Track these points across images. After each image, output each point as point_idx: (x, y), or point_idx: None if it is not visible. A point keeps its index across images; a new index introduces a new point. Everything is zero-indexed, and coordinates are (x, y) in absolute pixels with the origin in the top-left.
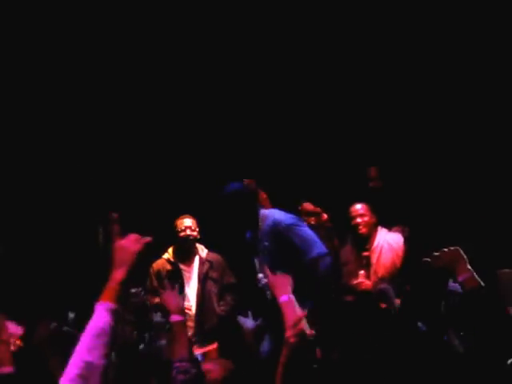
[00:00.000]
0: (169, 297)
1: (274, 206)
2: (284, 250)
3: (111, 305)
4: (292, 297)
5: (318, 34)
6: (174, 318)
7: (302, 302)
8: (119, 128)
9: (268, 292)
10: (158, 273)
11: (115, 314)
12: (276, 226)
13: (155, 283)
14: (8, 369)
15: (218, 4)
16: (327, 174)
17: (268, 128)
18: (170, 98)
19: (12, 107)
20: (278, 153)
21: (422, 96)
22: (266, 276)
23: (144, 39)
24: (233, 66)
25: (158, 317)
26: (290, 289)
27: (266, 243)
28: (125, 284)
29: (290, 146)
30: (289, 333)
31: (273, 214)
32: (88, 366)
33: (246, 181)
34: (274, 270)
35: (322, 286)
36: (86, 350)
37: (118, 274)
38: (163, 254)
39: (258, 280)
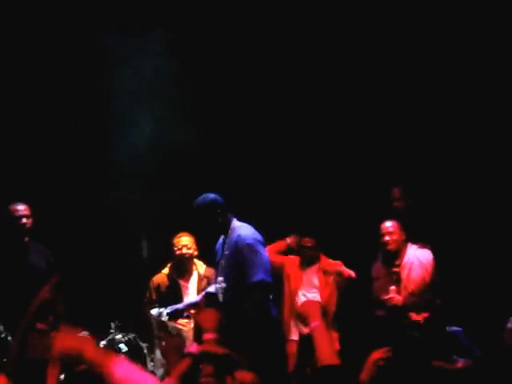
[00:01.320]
0: (204, 316)
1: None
2: (236, 265)
3: None
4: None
5: (343, 52)
6: (207, 336)
7: None
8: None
9: (221, 295)
10: (158, 287)
11: None
12: (238, 240)
13: (154, 296)
14: None
15: None
16: (353, 193)
17: (293, 148)
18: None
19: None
20: (305, 173)
21: (445, 116)
22: (223, 281)
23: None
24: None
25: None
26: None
27: (227, 252)
28: None
29: (317, 166)
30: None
31: (240, 229)
32: None
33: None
34: (225, 279)
35: (252, 310)
36: None
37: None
38: (163, 269)
39: (216, 282)
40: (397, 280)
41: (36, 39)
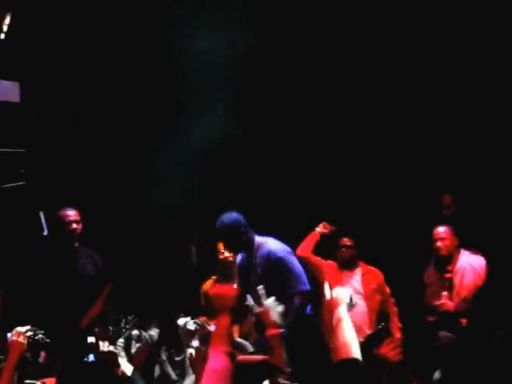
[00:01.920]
0: (265, 312)
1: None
2: (272, 280)
3: (226, 348)
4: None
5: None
6: (271, 331)
7: None
8: None
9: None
10: (206, 293)
11: (232, 356)
12: (270, 255)
13: (203, 302)
14: None
15: None
16: (406, 199)
17: (350, 151)
18: None
19: None
20: (359, 178)
21: (499, 123)
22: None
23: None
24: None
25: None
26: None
27: (259, 268)
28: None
29: (371, 172)
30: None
31: (268, 244)
32: None
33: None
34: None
35: (294, 319)
36: None
37: (224, 320)
38: (213, 275)
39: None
40: (449, 286)
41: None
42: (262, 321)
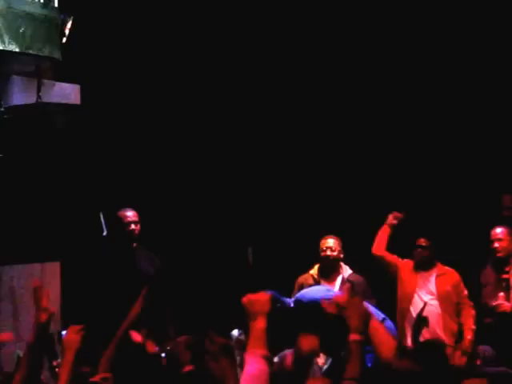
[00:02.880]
0: (352, 314)
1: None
2: None
3: (263, 352)
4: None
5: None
6: (353, 337)
7: None
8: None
9: None
10: (301, 286)
11: (269, 360)
12: None
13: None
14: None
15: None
16: (466, 200)
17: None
18: None
19: None
20: (419, 178)
21: None
22: None
23: None
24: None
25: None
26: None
27: None
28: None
29: (432, 172)
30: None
31: None
32: None
33: None
34: None
35: None
36: None
37: (260, 324)
38: (311, 269)
39: None
40: (506, 287)
41: None
42: (348, 323)
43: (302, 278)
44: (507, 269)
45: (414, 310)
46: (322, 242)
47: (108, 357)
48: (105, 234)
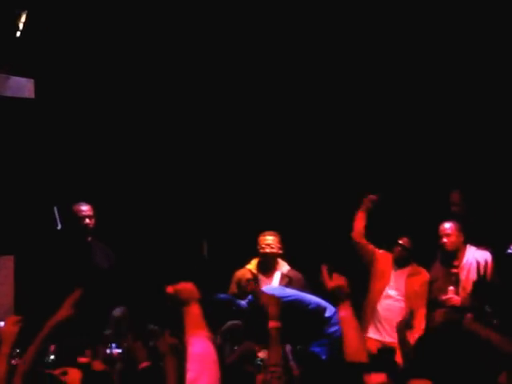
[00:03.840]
0: (269, 303)
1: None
2: None
3: (206, 333)
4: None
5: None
6: (271, 324)
7: None
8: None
9: None
10: (239, 281)
11: (212, 340)
12: None
13: (234, 289)
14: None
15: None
16: (414, 196)
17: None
18: None
19: None
20: (360, 177)
21: (506, 121)
22: None
23: None
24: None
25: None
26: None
27: None
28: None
29: (381, 170)
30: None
31: None
32: None
33: None
34: None
35: None
36: (197, 378)
37: (194, 309)
38: (248, 264)
39: None
40: (455, 281)
41: None
42: (265, 311)
43: (239, 273)
44: (456, 263)
45: (380, 305)
46: (261, 238)
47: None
48: (59, 227)
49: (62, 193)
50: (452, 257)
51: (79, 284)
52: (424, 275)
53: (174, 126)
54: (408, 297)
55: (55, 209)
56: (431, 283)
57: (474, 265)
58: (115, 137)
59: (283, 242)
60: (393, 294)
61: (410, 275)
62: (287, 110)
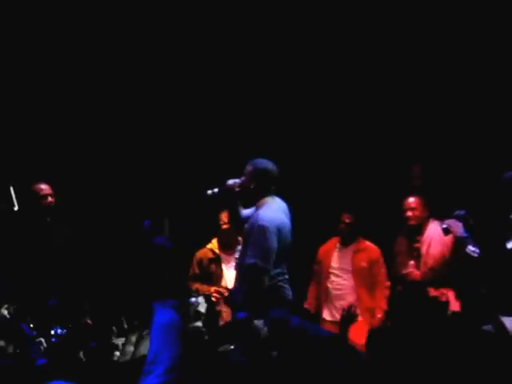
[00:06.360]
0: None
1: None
2: (247, 242)
3: (171, 301)
4: None
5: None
6: None
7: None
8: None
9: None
10: (200, 261)
11: (177, 309)
12: (255, 219)
13: (196, 270)
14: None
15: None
16: (373, 171)
17: (310, 125)
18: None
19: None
20: (324, 150)
21: (464, 96)
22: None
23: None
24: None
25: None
26: None
27: (246, 226)
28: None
29: (336, 143)
30: None
31: (264, 208)
32: (170, 360)
33: None
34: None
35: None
36: (163, 346)
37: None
38: (207, 244)
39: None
40: (417, 255)
41: None
42: None
43: (200, 253)
44: (419, 238)
45: (330, 286)
46: (222, 215)
47: None
48: (16, 208)
49: (18, 173)
50: (416, 231)
51: (39, 265)
52: (372, 251)
53: (125, 100)
54: (356, 273)
55: (11, 189)
56: (394, 257)
57: (436, 239)
58: (71, 114)
59: None
60: (337, 272)
61: (355, 251)
62: (280, 108)
